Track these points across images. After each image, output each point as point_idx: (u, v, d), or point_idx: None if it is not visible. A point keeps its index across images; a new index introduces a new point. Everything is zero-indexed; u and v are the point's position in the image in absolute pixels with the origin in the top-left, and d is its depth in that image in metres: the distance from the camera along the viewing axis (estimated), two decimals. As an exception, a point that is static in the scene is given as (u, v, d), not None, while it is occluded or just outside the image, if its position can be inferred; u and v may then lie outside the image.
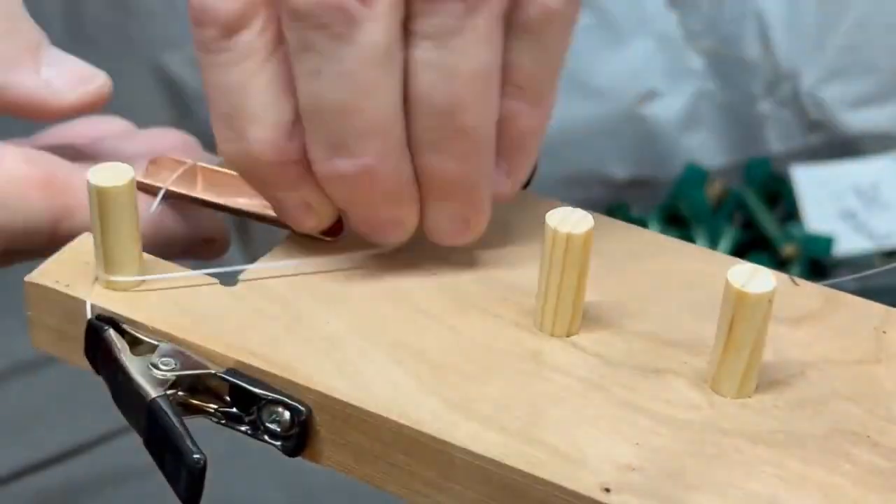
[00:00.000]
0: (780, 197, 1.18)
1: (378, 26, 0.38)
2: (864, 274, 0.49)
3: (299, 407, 0.40)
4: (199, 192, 0.47)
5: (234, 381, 0.40)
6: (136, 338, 0.41)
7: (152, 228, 0.46)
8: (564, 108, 1.16)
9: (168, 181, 0.46)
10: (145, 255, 0.43)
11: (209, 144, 0.52)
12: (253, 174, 0.42)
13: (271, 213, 0.45)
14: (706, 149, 1.20)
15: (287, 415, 0.40)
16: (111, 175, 0.41)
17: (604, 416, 0.39)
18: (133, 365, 0.40)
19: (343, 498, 0.74)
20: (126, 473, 0.74)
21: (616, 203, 1.16)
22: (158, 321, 0.42)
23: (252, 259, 0.45)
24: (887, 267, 0.47)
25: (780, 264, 1.10)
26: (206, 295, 0.43)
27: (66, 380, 0.78)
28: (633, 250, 0.46)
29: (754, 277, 0.38)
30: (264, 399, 0.40)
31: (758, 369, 0.40)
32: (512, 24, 0.40)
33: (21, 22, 0.47)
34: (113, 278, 0.42)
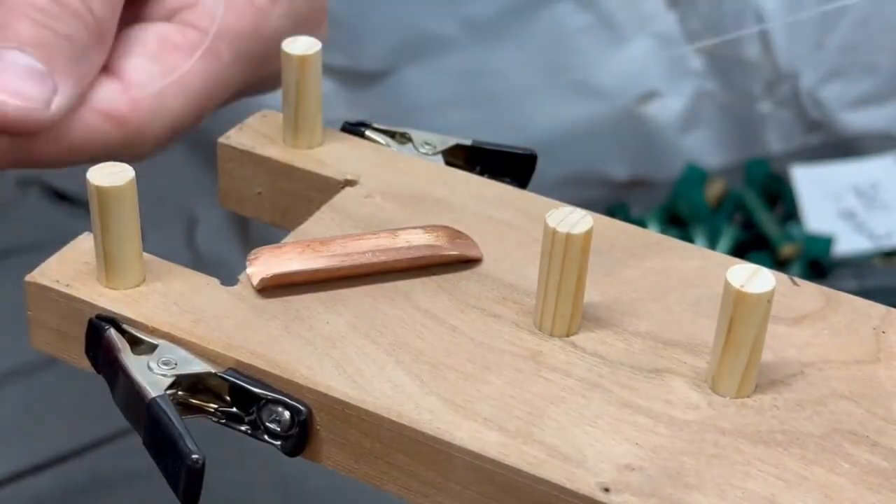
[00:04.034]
0: (780, 197, 1.18)
1: None
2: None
3: (299, 407, 0.40)
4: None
5: (234, 380, 0.40)
6: (137, 337, 0.41)
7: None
8: (564, 108, 1.17)
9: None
10: (146, 255, 0.43)
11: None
12: None
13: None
14: (706, 149, 1.20)
15: (287, 414, 0.40)
16: (111, 175, 0.41)
17: (603, 416, 0.39)
18: (133, 364, 0.40)
19: (340, 502, 0.74)
20: (122, 477, 0.74)
21: (616, 203, 1.16)
22: (158, 321, 0.42)
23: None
24: None
25: (779, 264, 1.10)
26: (206, 295, 0.43)
27: (62, 384, 0.78)
28: (632, 250, 0.46)
29: (754, 277, 0.39)
30: (264, 399, 0.40)
31: (757, 369, 0.40)
32: None
33: None
34: (113, 278, 0.42)
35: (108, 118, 0.48)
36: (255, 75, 0.52)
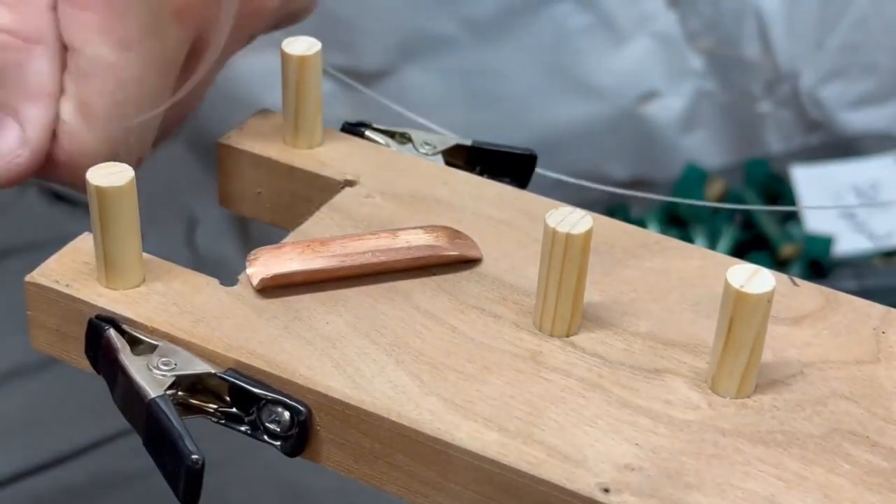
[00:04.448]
0: (780, 197, 1.18)
1: None
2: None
3: (299, 407, 0.40)
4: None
5: (234, 381, 0.40)
6: (136, 337, 0.41)
7: None
8: (564, 108, 1.17)
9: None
10: (145, 255, 0.43)
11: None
12: None
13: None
14: (706, 149, 1.20)
15: (287, 415, 0.40)
16: (111, 175, 0.41)
17: (603, 416, 0.39)
18: (133, 365, 0.40)
19: (340, 502, 0.74)
20: (122, 477, 0.74)
21: (616, 203, 1.16)
22: (158, 321, 0.42)
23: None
24: None
25: (779, 264, 1.10)
26: (206, 295, 0.43)
27: (62, 384, 0.78)
28: (632, 250, 0.46)
29: (754, 277, 0.39)
30: (264, 399, 0.40)
31: (757, 369, 0.40)
32: None
33: None
34: (113, 278, 0.42)
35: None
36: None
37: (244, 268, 0.43)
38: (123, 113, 0.46)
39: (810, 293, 0.44)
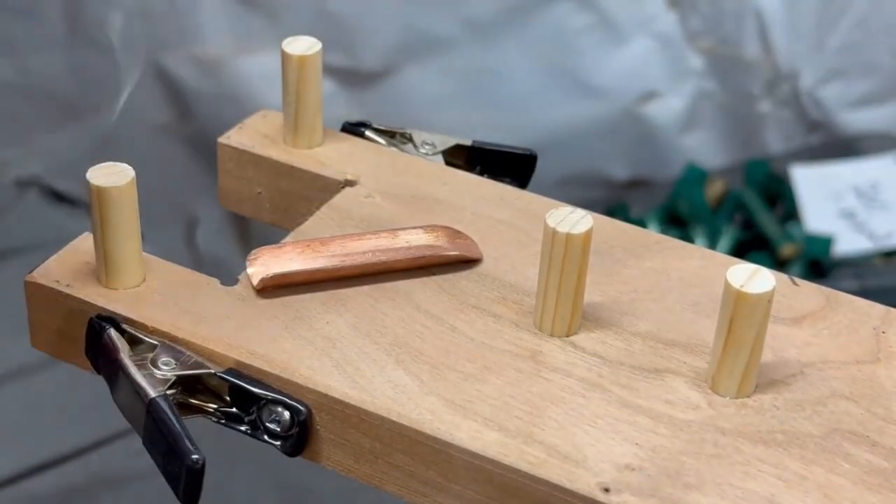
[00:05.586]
0: (780, 197, 1.18)
1: None
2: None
3: (299, 407, 0.40)
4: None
5: (234, 380, 0.40)
6: (137, 337, 0.42)
7: None
8: (564, 108, 1.17)
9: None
10: (145, 255, 0.43)
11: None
12: None
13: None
14: (706, 149, 1.20)
15: (287, 414, 0.40)
16: (111, 175, 0.41)
17: (603, 416, 0.39)
18: (133, 364, 0.40)
19: (340, 502, 0.74)
20: (121, 478, 0.74)
21: (616, 203, 1.16)
22: (158, 321, 0.42)
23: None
24: None
25: (779, 264, 1.10)
26: (206, 295, 0.43)
27: (62, 384, 0.78)
28: (632, 250, 0.46)
29: (754, 277, 0.39)
30: (264, 399, 0.40)
31: (757, 369, 0.40)
32: None
33: None
34: (113, 278, 0.43)
35: None
36: None
37: (244, 268, 0.43)
38: None
39: (810, 293, 0.44)
